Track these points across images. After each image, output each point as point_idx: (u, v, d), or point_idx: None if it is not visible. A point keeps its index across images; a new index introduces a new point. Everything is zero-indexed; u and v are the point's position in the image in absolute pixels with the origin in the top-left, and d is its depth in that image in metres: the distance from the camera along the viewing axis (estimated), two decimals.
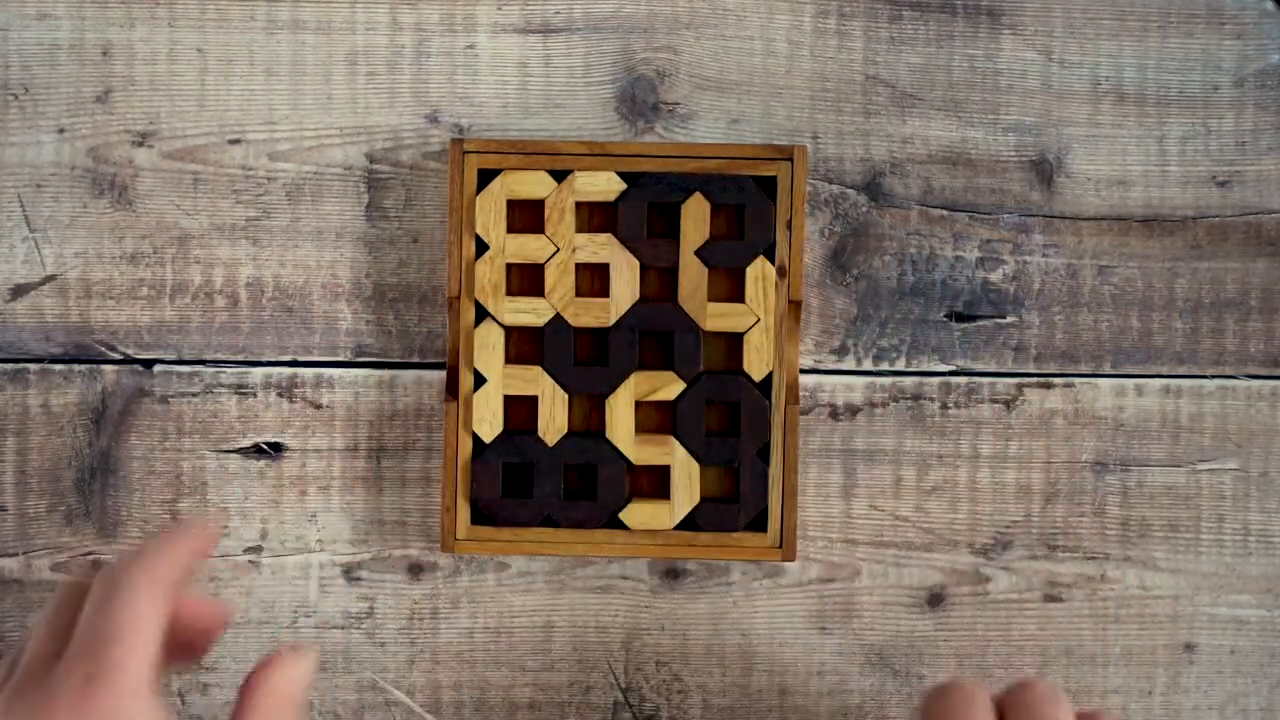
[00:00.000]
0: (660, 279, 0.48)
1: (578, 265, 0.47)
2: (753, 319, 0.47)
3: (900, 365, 0.50)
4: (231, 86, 0.50)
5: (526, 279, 0.48)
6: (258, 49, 0.50)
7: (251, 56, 0.50)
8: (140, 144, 0.50)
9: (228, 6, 0.49)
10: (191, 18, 0.49)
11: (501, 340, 0.47)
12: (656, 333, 0.48)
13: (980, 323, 0.50)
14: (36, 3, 0.50)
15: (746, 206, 0.47)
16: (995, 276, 0.49)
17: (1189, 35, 0.49)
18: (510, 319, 0.47)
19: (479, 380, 0.47)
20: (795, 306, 0.47)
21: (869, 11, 0.49)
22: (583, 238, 0.47)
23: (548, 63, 0.49)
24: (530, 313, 0.47)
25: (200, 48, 0.50)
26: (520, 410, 0.48)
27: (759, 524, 0.47)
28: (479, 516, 0.48)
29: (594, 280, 0.48)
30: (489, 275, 0.47)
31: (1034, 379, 0.50)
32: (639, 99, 0.49)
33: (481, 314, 0.47)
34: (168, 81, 0.50)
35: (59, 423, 0.50)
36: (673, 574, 0.50)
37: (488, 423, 0.47)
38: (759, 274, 0.47)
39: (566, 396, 0.47)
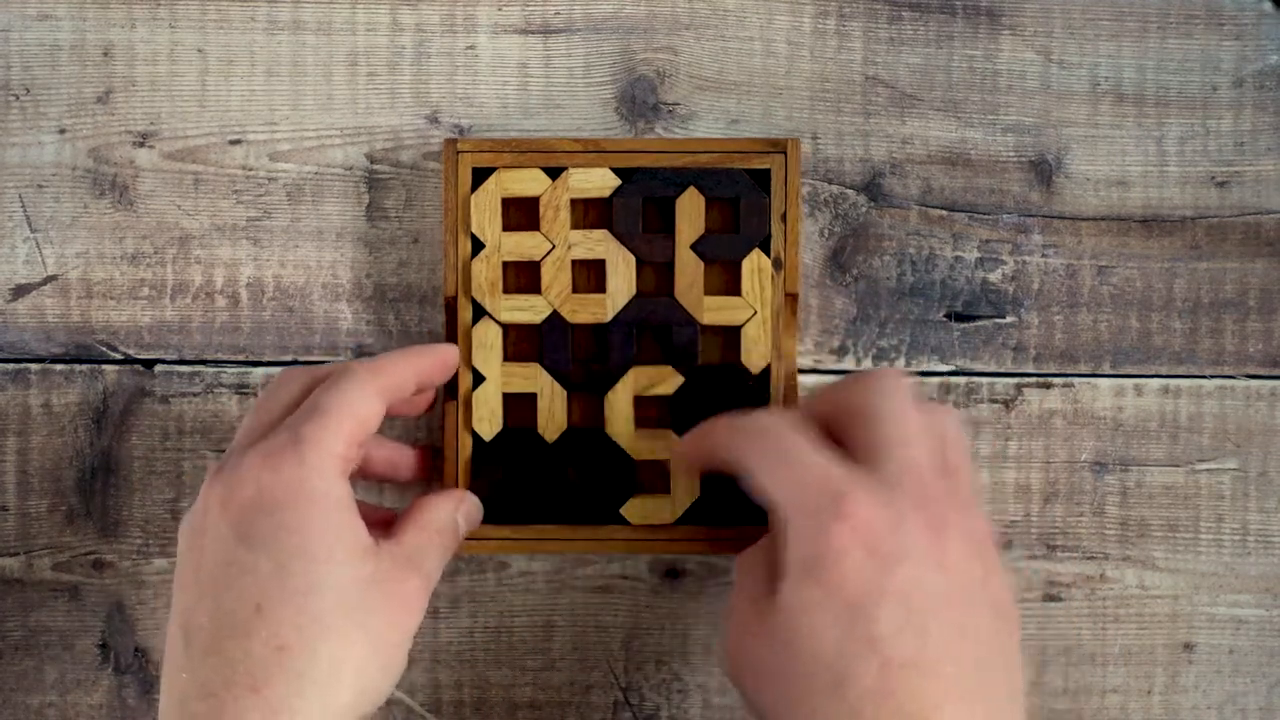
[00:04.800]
0: (657, 274, 0.48)
1: (574, 262, 0.47)
2: (750, 312, 0.47)
3: (900, 365, 0.50)
4: (232, 87, 0.50)
5: (523, 277, 0.48)
6: (258, 49, 0.50)
7: (252, 57, 0.50)
8: (141, 144, 0.50)
9: (228, 7, 0.49)
10: (192, 18, 0.50)
11: (499, 338, 0.47)
12: (654, 328, 0.48)
13: (979, 323, 0.50)
14: (38, 3, 0.50)
15: (741, 200, 0.47)
16: (994, 277, 0.49)
17: (1188, 36, 0.49)
18: (507, 317, 0.47)
19: (478, 379, 0.47)
20: (792, 299, 0.47)
21: (868, 12, 0.49)
22: (578, 234, 0.47)
23: (548, 63, 0.49)
24: (527, 310, 0.47)
25: (201, 48, 0.50)
26: (520, 408, 0.48)
27: (760, 518, 0.47)
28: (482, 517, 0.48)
29: (590, 277, 0.48)
30: (485, 274, 0.47)
31: (1033, 379, 0.50)
32: (639, 99, 0.49)
33: (479, 313, 0.47)
34: (168, 82, 0.50)
35: (60, 423, 0.50)
36: (673, 573, 0.50)
37: (487, 421, 0.47)
38: (755, 267, 0.47)
39: (565, 393, 0.47)
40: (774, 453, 0.40)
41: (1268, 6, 0.49)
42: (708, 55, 0.49)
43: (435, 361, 0.45)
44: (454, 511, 0.44)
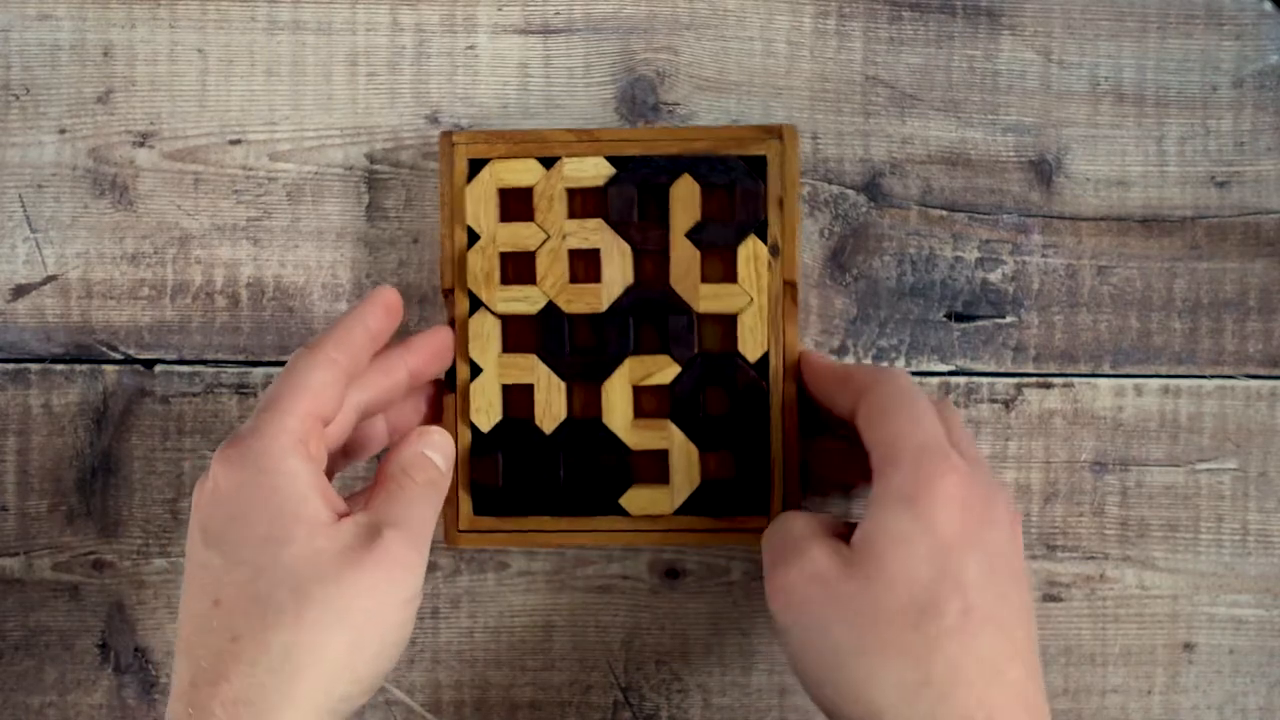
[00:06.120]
0: (655, 263, 0.47)
1: (570, 252, 0.47)
2: (746, 300, 0.46)
3: (900, 365, 0.50)
4: (232, 87, 0.50)
5: (520, 268, 0.48)
6: (258, 49, 0.50)
7: (252, 57, 0.50)
8: (141, 144, 0.50)
9: (228, 7, 0.49)
10: (192, 18, 0.50)
11: (496, 330, 0.47)
12: (651, 317, 0.47)
13: (979, 323, 0.50)
14: (38, 3, 0.50)
15: (736, 186, 0.46)
16: (994, 277, 0.49)
17: (1188, 36, 0.49)
18: (503, 308, 0.47)
19: (475, 370, 0.47)
20: (791, 288, 0.46)
21: (869, 12, 0.49)
22: (573, 224, 0.47)
23: (548, 63, 0.49)
24: (523, 301, 0.47)
25: (201, 48, 0.50)
26: (517, 399, 0.48)
27: (759, 508, 0.47)
28: (481, 508, 0.48)
29: (588, 266, 0.48)
30: (481, 265, 0.47)
31: (1033, 379, 0.50)
32: (639, 99, 0.49)
33: (476, 304, 0.47)
34: (168, 82, 0.50)
35: (60, 423, 0.50)
36: (672, 573, 0.50)
37: (485, 412, 0.47)
38: (751, 254, 0.46)
39: (563, 384, 0.47)
40: (898, 395, 0.42)
41: (1268, 6, 0.49)
42: (708, 55, 0.49)
43: (376, 306, 0.44)
44: (417, 448, 0.43)
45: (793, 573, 0.40)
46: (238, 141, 0.50)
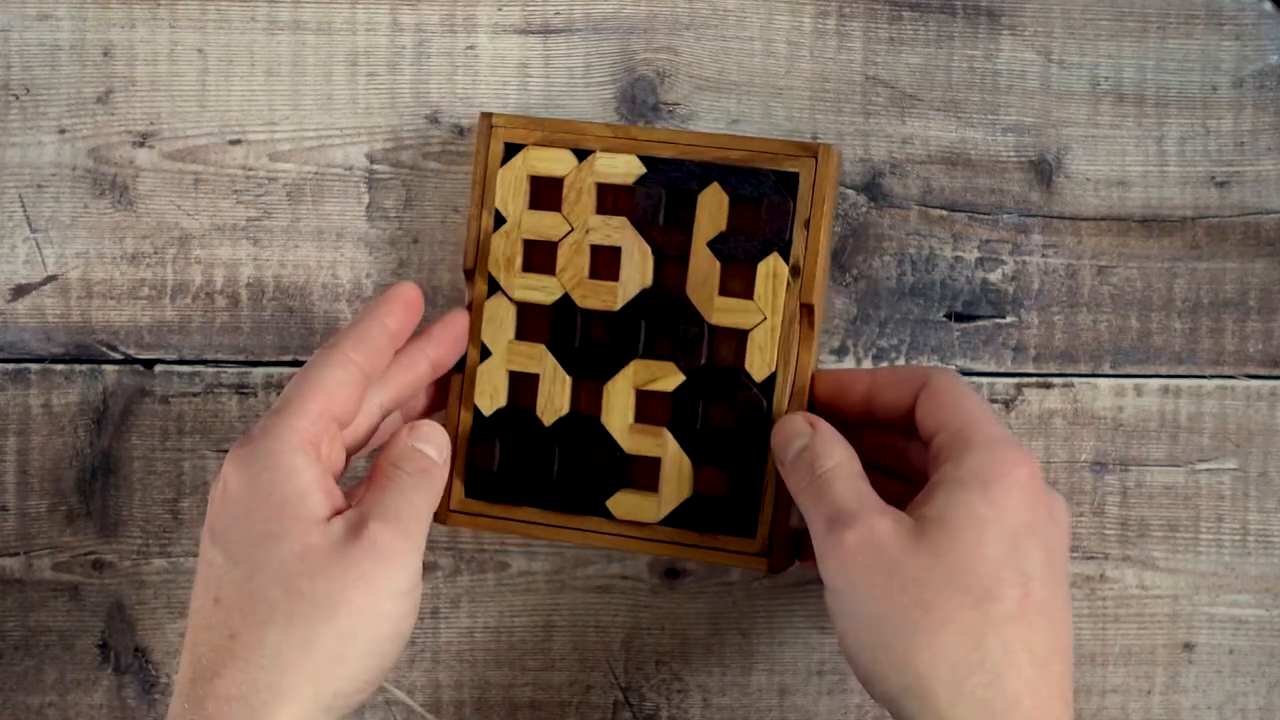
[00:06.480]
0: (675, 269, 0.46)
1: (594, 248, 0.46)
2: (759, 317, 0.45)
3: (900, 365, 0.50)
4: (232, 87, 0.50)
5: (541, 256, 0.47)
6: (258, 49, 0.50)
7: (252, 57, 0.50)
8: (141, 144, 0.50)
9: (228, 7, 0.49)
10: (192, 18, 0.50)
11: (511, 315, 0.47)
12: (665, 322, 0.46)
13: (979, 323, 0.50)
14: (38, 3, 0.50)
15: (764, 200, 0.45)
16: (994, 277, 0.49)
17: (1188, 36, 0.49)
18: (520, 294, 0.47)
19: (485, 354, 0.47)
20: (808, 311, 0.45)
21: (869, 12, 0.49)
22: (598, 219, 0.46)
23: (548, 63, 0.49)
24: (540, 290, 0.47)
25: (201, 48, 0.50)
26: (524, 388, 0.47)
27: (746, 529, 0.46)
28: (473, 492, 0.47)
29: (608, 264, 0.47)
30: (504, 249, 0.47)
31: (1033, 379, 0.50)
32: (639, 99, 0.49)
33: (494, 288, 0.47)
34: (168, 82, 0.50)
35: (60, 423, 0.50)
36: (672, 573, 0.50)
37: (489, 396, 0.47)
38: (770, 271, 0.45)
39: (569, 378, 0.47)
40: (964, 386, 0.43)
41: (1268, 6, 0.49)
42: (708, 55, 0.49)
43: (394, 304, 0.44)
44: (408, 443, 0.43)
45: (854, 535, 0.39)
46: (238, 141, 0.50)
